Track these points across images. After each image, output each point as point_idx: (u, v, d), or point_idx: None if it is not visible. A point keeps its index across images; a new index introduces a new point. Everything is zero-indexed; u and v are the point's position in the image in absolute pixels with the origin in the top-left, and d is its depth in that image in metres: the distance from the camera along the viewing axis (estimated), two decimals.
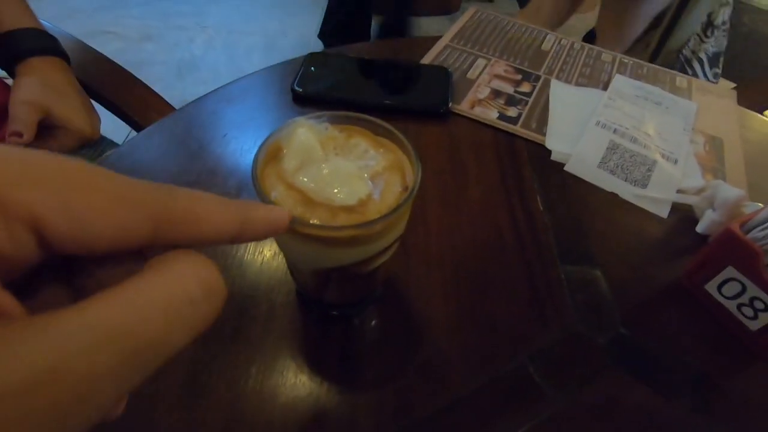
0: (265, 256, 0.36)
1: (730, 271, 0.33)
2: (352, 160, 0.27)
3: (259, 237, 0.17)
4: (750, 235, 0.33)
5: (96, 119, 0.58)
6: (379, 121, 0.28)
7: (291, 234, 0.24)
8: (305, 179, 0.25)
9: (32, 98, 0.48)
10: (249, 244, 0.37)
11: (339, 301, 0.32)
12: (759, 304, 0.32)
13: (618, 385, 0.32)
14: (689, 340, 0.35)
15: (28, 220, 0.11)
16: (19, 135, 0.47)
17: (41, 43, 0.53)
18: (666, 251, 0.41)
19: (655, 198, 0.44)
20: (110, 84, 0.63)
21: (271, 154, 0.26)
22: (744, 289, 0.33)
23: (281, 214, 0.17)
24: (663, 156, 0.48)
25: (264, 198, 0.24)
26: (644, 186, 0.45)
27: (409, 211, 0.27)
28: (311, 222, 0.23)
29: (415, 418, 0.29)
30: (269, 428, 0.28)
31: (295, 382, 0.30)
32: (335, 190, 0.25)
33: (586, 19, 2.45)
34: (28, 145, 0.48)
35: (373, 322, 0.34)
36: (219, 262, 0.35)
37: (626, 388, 0.32)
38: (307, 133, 0.27)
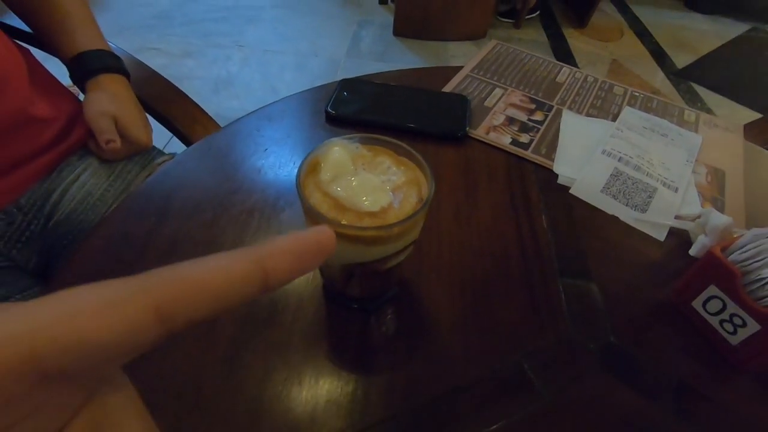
0: None
1: (712, 290, 0.37)
2: (377, 175, 0.32)
3: (295, 269, 0.14)
4: (731, 258, 0.36)
5: (150, 130, 0.65)
6: (401, 143, 0.34)
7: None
8: (338, 189, 0.31)
9: (106, 109, 0.56)
10: None
11: (360, 295, 0.37)
12: (738, 320, 0.35)
13: (603, 386, 0.36)
14: (675, 351, 0.38)
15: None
16: (113, 141, 0.56)
17: (108, 62, 0.60)
18: (660, 271, 0.44)
19: (653, 222, 0.48)
20: (160, 97, 0.71)
21: (311, 167, 0.32)
22: (725, 306, 0.36)
23: (321, 231, 0.15)
24: (664, 184, 0.52)
25: (305, 201, 0.29)
26: (644, 211, 0.49)
27: (423, 219, 0.32)
28: (342, 222, 0.28)
29: (420, 400, 0.33)
30: (296, 400, 0.33)
31: (318, 363, 0.35)
32: (362, 199, 0.30)
33: (608, 47, 2.49)
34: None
35: (389, 317, 0.38)
36: None
37: (611, 389, 0.35)
38: (341, 150, 0.32)
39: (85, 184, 0.59)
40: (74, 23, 0.60)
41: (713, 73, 2.36)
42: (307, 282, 0.39)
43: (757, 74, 2.40)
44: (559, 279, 0.42)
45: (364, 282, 0.35)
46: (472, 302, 0.40)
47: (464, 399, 0.34)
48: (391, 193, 0.31)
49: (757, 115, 2.12)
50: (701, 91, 2.22)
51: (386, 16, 2.41)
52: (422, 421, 0.33)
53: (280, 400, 0.33)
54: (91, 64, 0.59)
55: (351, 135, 0.34)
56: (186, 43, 2.06)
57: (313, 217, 0.29)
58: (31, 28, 0.62)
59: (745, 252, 0.36)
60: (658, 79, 2.29)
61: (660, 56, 2.47)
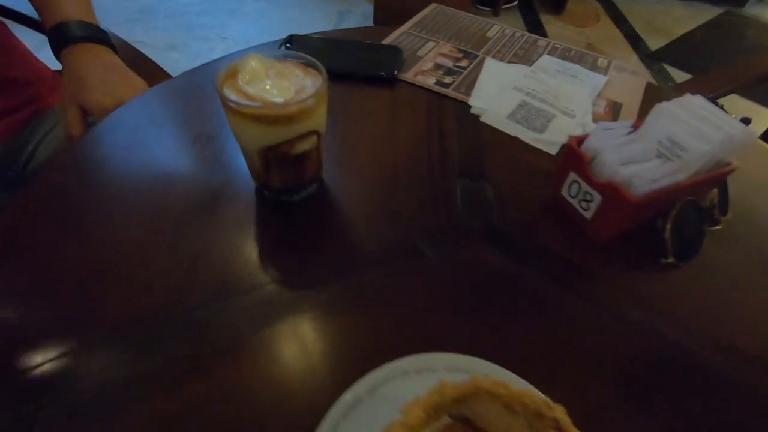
0: (237, 162, 0.49)
1: (572, 176, 0.45)
2: (286, 80, 0.40)
3: None
4: (583, 147, 0.44)
5: (121, 90, 0.66)
6: (307, 56, 0.42)
7: (239, 116, 0.37)
8: (251, 88, 0.39)
9: (68, 98, 0.60)
10: (228, 166, 0.50)
11: (281, 186, 0.45)
12: (588, 197, 0.43)
13: (482, 253, 0.44)
14: (548, 231, 0.46)
15: None
16: (73, 136, 0.59)
17: (84, 32, 0.61)
18: (548, 177, 0.52)
19: (548, 141, 0.56)
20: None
21: (230, 73, 0.40)
22: (580, 188, 0.44)
23: None
24: (563, 112, 0.60)
25: (220, 93, 0.37)
26: (542, 132, 0.57)
27: (319, 110, 0.40)
28: (250, 103, 0.36)
29: (335, 274, 0.41)
30: (224, 271, 0.41)
31: (247, 243, 0.43)
32: (271, 94, 0.38)
33: (584, 32, 2.57)
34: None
35: (310, 210, 0.46)
36: (209, 173, 0.48)
37: (488, 256, 0.43)
38: (257, 61, 0.40)
39: (57, 136, 0.67)
40: None
41: (685, 55, 2.44)
42: (243, 183, 0.47)
43: (727, 55, 2.48)
44: (457, 180, 0.50)
45: (281, 171, 0.43)
46: (382, 199, 0.48)
47: (373, 269, 0.42)
48: (293, 91, 0.39)
49: (735, 97, 2.19)
50: (672, 71, 2.30)
51: (366, 6, 2.49)
52: (326, 280, 0.41)
53: (210, 263, 0.41)
54: (66, 34, 0.61)
55: (269, 51, 0.42)
56: (170, 36, 2.14)
57: (228, 106, 0.37)
58: None
59: (593, 142, 0.44)
60: (632, 61, 2.37)
61: (634, 40, 2.55)
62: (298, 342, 0.36)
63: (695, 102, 0.45)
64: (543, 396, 0.24)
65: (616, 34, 2.59)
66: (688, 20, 2.76)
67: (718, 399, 0.35)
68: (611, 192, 0.41)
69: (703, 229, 0.45)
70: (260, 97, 0.38)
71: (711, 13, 2.84)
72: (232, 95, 0.38)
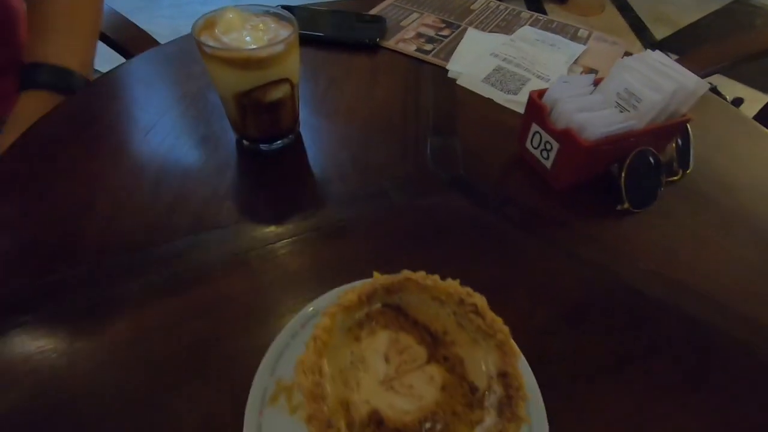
0: (219, 117, 0.52)
1: (534, 127, 0.47)
2: (260, 31, 0.43)
3: None
4: (544, 100, 0.46)
5: None
6: (284, 12, 0.44)
7: (214, 60, 0.40)
8: (227, 38, 0.42)
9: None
10: (209, 119, 0.53)
11: (258, 135, 0.48)
12: (548, 146, 0.46)
13: (446, 199, 0.46)
14: (512, 181, 0.49)
15: None
16: None
17: (40, 78, 0.55)
18: (516, 134, 0.54)
19: (520, 101, 0.58)
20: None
21: (208, 23, 0.43)
22: (541, 138, 0.46)
23: None
24: (538, 77, 0.62)
25: (196, 39, 0.40)
26: (515, 94, 0.59)
27: (290, 57, 0.42)
28: (223, 47, 0.39)
29: (305, 213, 0.44)
30: (201, 211, 0.44)
31: (224, 187, 0.46)
32: (245, 42, 0.41)
33: (589, 21, 2.56)
34: None
35: (286, 160, 0.49)
36: (192, 126, 0.51)
37: (451, 201, 0.46)
38: (235, 14, 0.43)
39: None
40: (45, 28, 0.58)
41: (691, 44, 2.42)
42: (225, 136, 0.50)
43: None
44: (429, 136, 0.53)
45: (257, 119, 0.46)
46: (355, 152, 0.51)
47: (350, 213, 0.45)
48: (266, 40, 0.42)
49: (732, 82, 2.18)
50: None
51: None
52: (295, 219, 0.43)
53: (188, 204, 0.44)
54: (24, 78, 0.56)
55: (246, 5, 0.45)
56: (175, 25, 2.18)
57: (203, 51, 0.40)
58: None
59: (552, 93, 0.46)
60: (635, 50, 2.36)
61: (640, 29, 2.54)
62: (267, 269, 0.39)
63: (654, 57, 0.47)
64: (466, 288, 0.26)
65: (621, 23, 2.58)
66: (695, 10, 2.74)
67: (666, 327, 0.37)
68: (566, 138, 0.43)
69: (661, 179, 0.47)
70: (235, 44, 0.41)
71: (719, 2, 2.80)
72: (209, 42, 0.41)
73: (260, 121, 0.46)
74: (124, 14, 0.83)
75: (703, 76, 0.47)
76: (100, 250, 0.39)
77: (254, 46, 0.41)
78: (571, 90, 0.46)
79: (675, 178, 0.49)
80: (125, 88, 0.57)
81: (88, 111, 0.54)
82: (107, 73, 0.60)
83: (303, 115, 0.53)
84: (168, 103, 0.55)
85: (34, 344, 0.33)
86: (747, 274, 0.42)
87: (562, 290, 0.39)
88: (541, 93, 0.47)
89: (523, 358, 0.31)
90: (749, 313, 0.39)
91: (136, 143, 0.50)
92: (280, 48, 0.40)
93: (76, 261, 0.38)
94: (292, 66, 0.44)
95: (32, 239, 0.40)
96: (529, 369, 0.31)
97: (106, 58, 0.77)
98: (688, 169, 0.50)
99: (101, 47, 0.86)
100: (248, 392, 0.28)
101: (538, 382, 0.30)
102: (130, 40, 0.82)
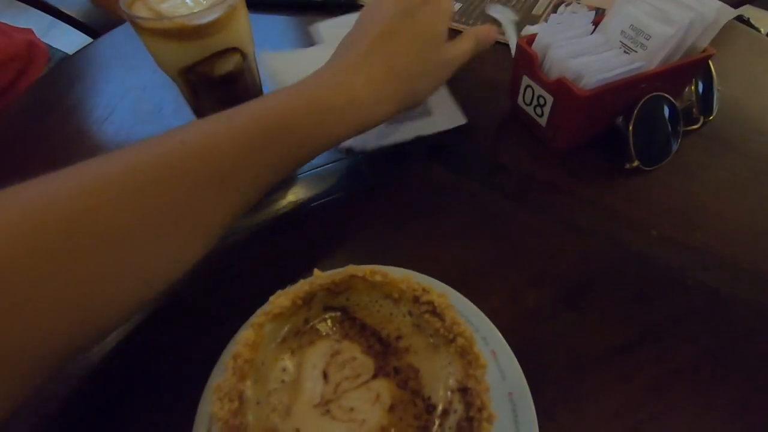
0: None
1: (525, 80, 0.41)
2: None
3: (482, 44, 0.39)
4: (533, 46, 0.40)
5: None
6: None
7: (146, 33, 0.35)
8: (164, 6, 0.37)
9: None
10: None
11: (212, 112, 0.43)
12: (541, 101, 0.40)
13: (427, 168, 0.41)
14: (502, 144, 0.43)
15: None
16: None
17: None
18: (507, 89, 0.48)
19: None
20: None
21: None
22: (533, 92, 0.40)
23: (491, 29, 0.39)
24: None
25: (127, 16, 0.35)
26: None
27: (234, 23, 0.37)
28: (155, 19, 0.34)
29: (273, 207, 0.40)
30: None
31: None
32: (183, 11, 0.36)
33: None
34: None
35: None
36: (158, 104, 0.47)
37: (434, 171, 0.41)
38: None
39: None
40: None
41: None
42: (187, 118, 0.46)
43: None
44: None
45: (210, 96, 0.41)
46: None
47: (305, 183, 0.40)
48: (208, 5, 0.37)
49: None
50: None
51: None
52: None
53: None
54: None
55: None
56: None
57: (134, 23, 0.35)
58: None
59: (543, 37, 0.39)
60: None
61: None
62: (223, 266, 0.35)
63: None
64: (423, 281, 0.22)
65: None
66: None
67: (682, 303, 0.32)
68: (560, 89, 0.37)
69: (678, 129, 0.41)
70: (172, 13, 0.36)
71: None
72: (142, 13, 0.36)
73: (215, 98, 0.41)
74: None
75: (731, 5, 0.40)
76: None
77: (188, 13, 0.36)
78: (566, 32, 0.39)
79: (695, 126, 0.42)
80: (83, 74, 0.53)
81: (45, 100, 0.51)
82: (65, 59, 0.56)
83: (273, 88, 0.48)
84: (126, 87, 0.51)
85: None
86: None
87: (560, 267, 0.34)
88: (531, 39, 0.40)
89: (508, 348, 0.27)
90: None
91: (93, 131, 0.46)
92: (219, 12, 0.35)
93: None
94: (240, 33, 0.38)
95: None
96: (516, 362, 0.27)
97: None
98: (711, 116, 0.43)
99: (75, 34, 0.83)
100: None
101: (529, 373, 0.26)
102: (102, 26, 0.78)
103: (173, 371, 0.29)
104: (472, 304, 0.29)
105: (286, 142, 0.29)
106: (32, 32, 0.75)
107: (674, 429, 0.27)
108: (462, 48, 0.38)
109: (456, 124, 0.43)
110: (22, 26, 0.73)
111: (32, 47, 0.71)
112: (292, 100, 0.31)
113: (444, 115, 0.44)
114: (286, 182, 0.41)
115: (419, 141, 0.43)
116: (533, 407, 0.25)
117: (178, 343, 0.31)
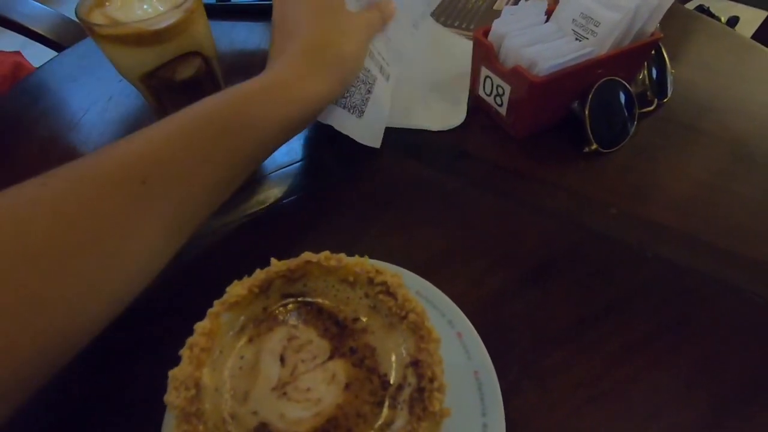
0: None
1: (484, 71, 0.42)
2: (162, 3, 0.38)
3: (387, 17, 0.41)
4: (488, 37, 0.41)
5: None
6: None
7: (103, 40, 0.36)
8: (121, 13, 0.37)
9: None
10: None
11: None
12: (500, 90, 0.41)
13: (393, 162, 0.42)
14: (465, 133, 0.44)
15: None
16: None
17: None
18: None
19: None
20: None
21: (98, 1, 0.38)
22: (492, 82, 0.41)
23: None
24: None
25: (84, 23, 0.35)
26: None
27: (192, 26, 0.37)
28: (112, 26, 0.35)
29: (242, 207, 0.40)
30: None
31: None
32: (140, 16, 0.36)
33: None
34: None
35: None
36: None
37: (402, 164, 0.41)
38: None
39: None
40: None
41: None
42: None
43: None
44: None
45: (174, 102, 0.41)
46: None
47: (274, 181, 0.41)
48: (162, 9, 0.37)
49: (729, 4, 2.03)
50: None
51: None
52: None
53: None
54: None
55: None
56: None
57: (91, 30, 0.36)
58: None
59: (498, 29, 0.40)
60: None
61: None
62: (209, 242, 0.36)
63: None
64: (377, 264, 0.22)
65: None
66: None
67: (641, 275, 0.33)
68: (515, 77, 0.38)
69: (633, 112, 0.42)
70: (129, 20, 0.36)
71: None
72: (99, 21, 0.36)
73: (179, 103, 0.41)
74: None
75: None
76: None
77: (145, 18, 0.36)
78: (520, 22, 0.41)
79: (649, 109, 0.44)
80: (48, 88, 0.53)
81: (13, 115, 0.51)
82: (29, 75, 0.56)
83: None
84: (92, 98, 0.51)
85: None
86: (736, 209, 0.37)
87: (522, 249, 0.35)
88: (486, 30, 0.41)
89: (473, 330, 0.28)
90: (738, 251, 0.34)
91: (59, 142, 0.46)
92: (176, 16, 0.35)
93: None
94: (199, 37, 0.39)
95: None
96: (480, 341, 0.27)
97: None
98: (665, 98, 0.45)
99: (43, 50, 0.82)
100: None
101: (494, 352, 0.27)
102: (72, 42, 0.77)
103: (143, 371, 0.29)
104: (437, 289, 0.30)
105: (226, 136, 0.31)
106: (21, 54, 0.75)
107: (636, 396, 0.28)
108: (367, 15, 0.39)
109: (455, 124, 0.44)
110: None
111: (18, 68, 0.71)
112: (216, 98, 0.32)
113: (449, 112, 0.45)
114: (256, 182, 0.41)
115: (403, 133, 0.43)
116: (498, 384, 0.26)
117: (146, 343, 0.31)
